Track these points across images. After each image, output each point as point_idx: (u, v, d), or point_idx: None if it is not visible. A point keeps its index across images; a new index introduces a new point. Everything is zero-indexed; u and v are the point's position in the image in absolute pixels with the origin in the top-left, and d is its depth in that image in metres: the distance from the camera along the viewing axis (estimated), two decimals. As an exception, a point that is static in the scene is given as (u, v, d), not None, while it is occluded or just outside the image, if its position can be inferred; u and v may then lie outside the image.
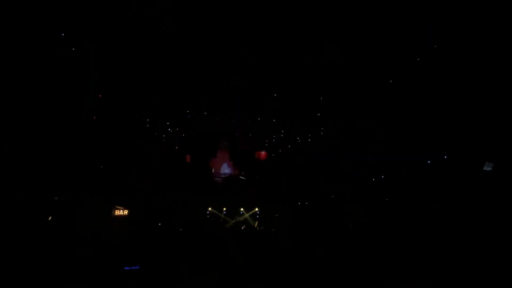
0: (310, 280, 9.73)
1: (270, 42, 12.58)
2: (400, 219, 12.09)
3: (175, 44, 13.12)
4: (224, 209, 18.69)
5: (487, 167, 10.11)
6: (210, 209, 18.55)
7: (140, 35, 12.73)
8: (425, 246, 10.48)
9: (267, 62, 13.29)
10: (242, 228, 18.14)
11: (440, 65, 10.63)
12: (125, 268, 11.31)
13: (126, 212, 16.67)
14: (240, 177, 19.23)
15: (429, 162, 11.57)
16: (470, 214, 10.25)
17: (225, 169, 19.73)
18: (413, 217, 11.74)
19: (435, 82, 10.88)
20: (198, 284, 9.93)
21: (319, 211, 15.38)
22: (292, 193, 17.10)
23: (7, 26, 10.40)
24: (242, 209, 18.69)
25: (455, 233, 10.21)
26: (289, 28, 11.83)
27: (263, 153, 19.10)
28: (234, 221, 18.55)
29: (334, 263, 10.53)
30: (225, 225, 18.32)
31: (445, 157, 11.17)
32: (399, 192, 12.83)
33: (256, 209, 18.60)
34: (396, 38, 11.36)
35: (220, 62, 13.71)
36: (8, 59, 10.81)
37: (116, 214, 16.51)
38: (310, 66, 12.92)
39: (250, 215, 18.65)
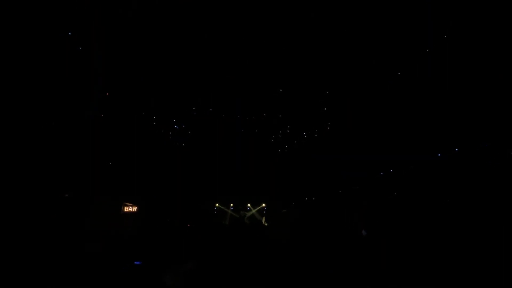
0: (310, 280, 9.81)
1: (270, 41, 12.58)
2: (400, 219, 12.11)
3: (175, 43, 13.19)
4: (231, 205, 18.92)
5: None
6: (217, 205, 18.79)
7: (141, 33, 12.82)
8: (425, 246, 10.49)
9: (267, 60, 13.30)
10: (248, 223, 18.33)
11: (440, 65, 10.55)
12: (136, 262, 11.60)
13: (135, 208, 17.01)
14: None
15: (439, 155, 11.50)
16: (470, 215, 10.22)
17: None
18: (412, 217, 11.76)
19: (435, 81, 10.82)
20: (200, 280, 10.10)
21: (320, 211, 15.48)
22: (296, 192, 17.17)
23: (12, 26, 10.58)
24: (249, 204, 18.88)
25: (456, 234, 10.19)
26: (289, 28, 11.82)
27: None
28: (239, 216, 18.74)
29: (334, 263, 10.59)
30: (224, 221, 18.49)
31: (456, 149, 11.10)
32: (399, 191, 12.84)
33: (263, 204, 18.77)
34: (396, 38, 11.27)
35: (222, 60, 13.75)
36: (15, 60, 11.01)
37: (125, 210, 16.86)
38: (310, 66, 12.91)
39: (257, 211, 18.84)
